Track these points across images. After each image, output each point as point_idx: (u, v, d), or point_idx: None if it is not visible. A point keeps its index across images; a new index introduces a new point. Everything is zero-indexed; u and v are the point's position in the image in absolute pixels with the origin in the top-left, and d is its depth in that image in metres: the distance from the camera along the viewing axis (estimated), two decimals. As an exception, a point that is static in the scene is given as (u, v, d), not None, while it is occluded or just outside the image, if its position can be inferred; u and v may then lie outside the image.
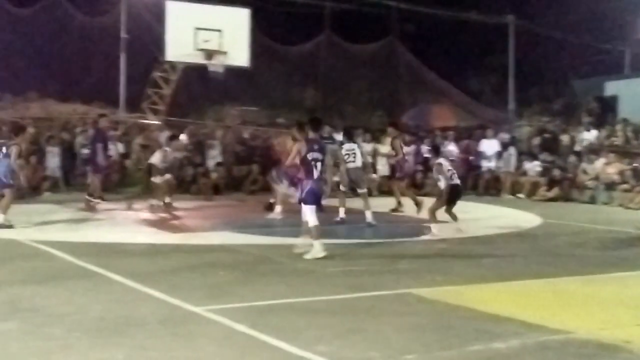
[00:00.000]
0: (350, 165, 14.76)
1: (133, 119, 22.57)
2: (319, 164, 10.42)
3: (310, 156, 10.40)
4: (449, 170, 13.56)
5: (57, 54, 25.56)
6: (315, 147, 10.53)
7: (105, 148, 17.20)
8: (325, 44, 28.17)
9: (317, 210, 10.41)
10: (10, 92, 25.41)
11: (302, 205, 10.46)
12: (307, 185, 10.37)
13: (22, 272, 9.03)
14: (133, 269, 9.24)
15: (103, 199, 17.02)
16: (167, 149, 16.09)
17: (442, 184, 13.41)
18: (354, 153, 14.88)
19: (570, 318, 7.15)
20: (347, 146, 15.04)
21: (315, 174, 10.40)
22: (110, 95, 24.63)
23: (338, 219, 14.28)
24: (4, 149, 13.24)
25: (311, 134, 10.81)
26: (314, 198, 10.37)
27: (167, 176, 15.48)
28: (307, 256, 10.16)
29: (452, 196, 13.45)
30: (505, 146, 23.14)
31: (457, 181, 13.67)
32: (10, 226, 12.76)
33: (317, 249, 10.19)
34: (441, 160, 13.83)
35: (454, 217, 13.59)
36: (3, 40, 24.63)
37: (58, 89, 25.63)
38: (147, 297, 7.73)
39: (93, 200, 16.25)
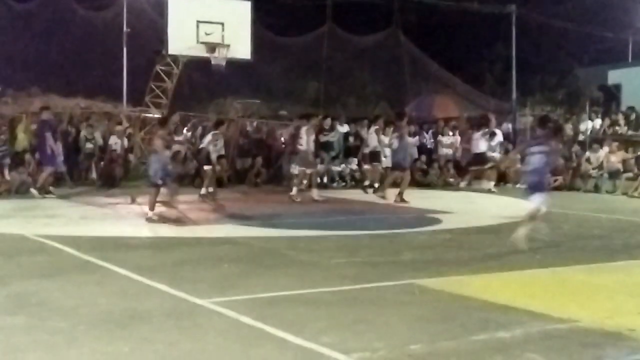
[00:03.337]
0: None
1: (136, 113, 22.58)
2: None
3: None
4: None
5: (59, 48, 25.58)
6: None
7: (55, 140, 17.31)
8: (327, 35, 28.09)
9: None
10: (13, 87, 25.45)
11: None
12: None
13: (28, 266, 9.06)
14: (138, 262, 9.27)
15: (51, 193, 17.15)
16: (217, 132, 16.96)
17: None
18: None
19: (574, 307, 7.15)
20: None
21: None
22: (113, 90, 24.68)
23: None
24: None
25: None
26: None
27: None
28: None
29: None
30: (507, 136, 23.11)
31: None
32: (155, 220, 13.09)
33: None
34: None
35: None
36: (5, 35, 24.65)
37: (61, 84, 25.67)
38: (152, 290, 7.76)
39: (40, 195, 16.69)
